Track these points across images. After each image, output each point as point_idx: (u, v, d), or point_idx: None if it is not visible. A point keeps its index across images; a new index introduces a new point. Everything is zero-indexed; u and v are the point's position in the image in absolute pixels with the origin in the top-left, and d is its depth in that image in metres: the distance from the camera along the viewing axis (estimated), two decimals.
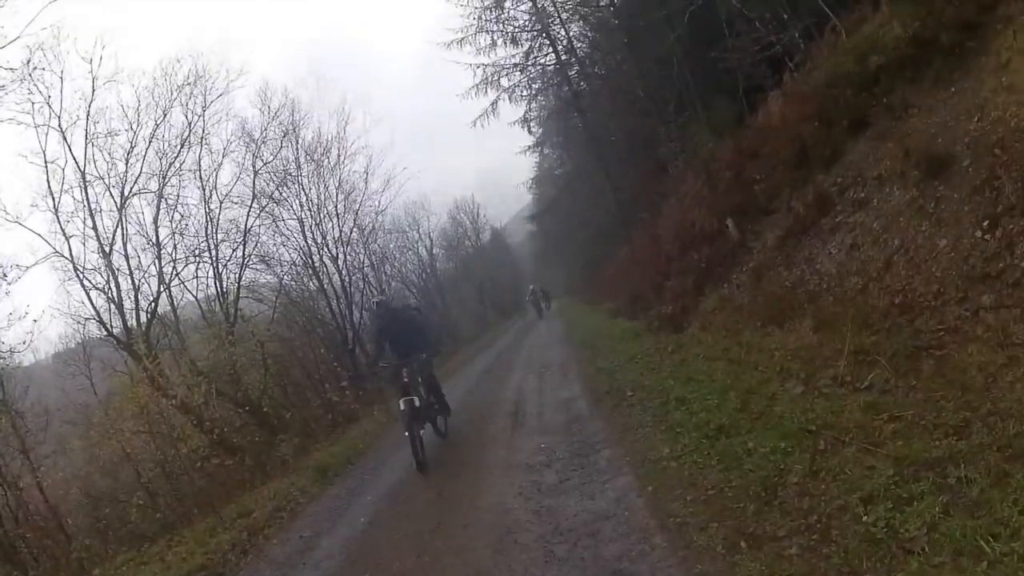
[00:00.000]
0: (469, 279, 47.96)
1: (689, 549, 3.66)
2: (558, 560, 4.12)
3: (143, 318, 17.35)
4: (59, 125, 16.02)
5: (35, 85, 15.09)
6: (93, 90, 16.51)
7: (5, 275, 13.77)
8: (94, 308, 16.71)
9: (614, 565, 3.79)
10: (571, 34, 24.67)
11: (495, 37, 23.46)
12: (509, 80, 24.21)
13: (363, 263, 27.98)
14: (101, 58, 16.80)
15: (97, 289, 16.71)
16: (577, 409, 8.39)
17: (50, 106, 15.73)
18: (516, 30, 23.72)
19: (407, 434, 7.50)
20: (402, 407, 7.81)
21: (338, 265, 25.11)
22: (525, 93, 24.89)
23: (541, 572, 4.05)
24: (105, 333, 17.05)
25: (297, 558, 6.03)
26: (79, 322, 17.64)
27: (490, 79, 23.95)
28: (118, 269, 17.02)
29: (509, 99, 24.43)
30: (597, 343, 13.79)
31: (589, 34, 24.99)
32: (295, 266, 23.38)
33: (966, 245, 5.23)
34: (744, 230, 10.44)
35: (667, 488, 4.64)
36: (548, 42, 24.07)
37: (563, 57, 24.29)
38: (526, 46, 24.00)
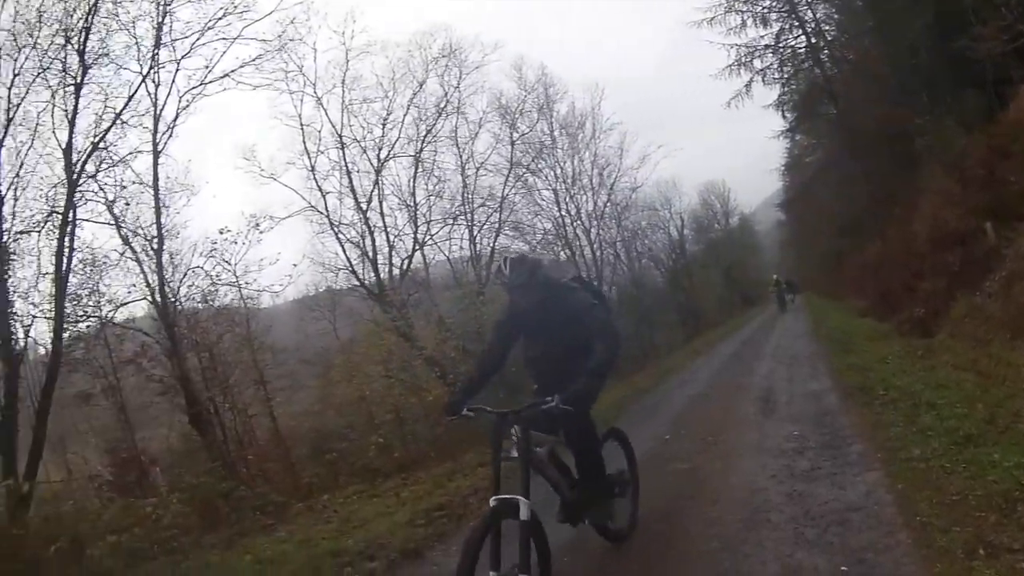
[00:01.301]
0: (716, 263, 45.39)
1: (931, 548, 3.63)
2: (808, 542, 4.08)
3: (395, 272, 18.45)
4: (314, 92, 17.56)
5: (289, 55, 16.39)
6: (347, 60, 17.91)
7: (258, 224, 15.05)
8: (347, 260, 18.04)
9: (860, 555, 3.78)
10: (817, 16, 23.08)
11: (744, 17, 22.65)
12: (762, 62, 23.22)
13: (615, 238, 27.95)
14: (352, 32, 18.33)
15: (351, 243, 18.04)
16: (828, 402, 8.10)
17: (304, 75, 17.19)
18: (765, 10, 22.70)
19: None
20: (483, 522, 3.35)
21: (590, 237, 25.41)
22: (777, 76, 23.64)
23: (791, 551, 4.00)
24: (356, 283, 18.16)
25: (542, 512, 5.43)
26: (332, 271, 18.56)
27: (743, 60, 23.12)
28: (374, 226, 18.33)
29: (763, 81, 23.37)
30: (845, 340, 13.21)
31: (835, 16, 23.16)
32: (547, 235, 23.74)
33: None
34: (998, 234, 9.79)
35: (915, 488, 4.51)
36: (797, 23, 22.75)
37: (812, 40, 22.80)
38: (776, 27, 22.88)
